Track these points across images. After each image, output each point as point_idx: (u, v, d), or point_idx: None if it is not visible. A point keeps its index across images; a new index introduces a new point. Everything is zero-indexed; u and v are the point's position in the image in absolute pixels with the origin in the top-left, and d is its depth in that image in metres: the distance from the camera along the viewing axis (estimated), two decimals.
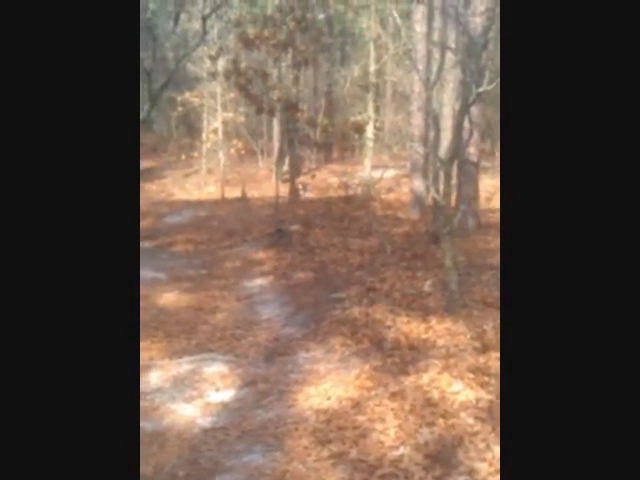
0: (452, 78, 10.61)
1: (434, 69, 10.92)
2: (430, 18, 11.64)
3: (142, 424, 4.50)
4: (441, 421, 4.10)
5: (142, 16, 10.98)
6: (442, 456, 3.74)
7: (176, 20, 11.12)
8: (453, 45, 10.01)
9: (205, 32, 11.52)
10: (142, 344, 6.00)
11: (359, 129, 13.92)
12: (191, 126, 22.16)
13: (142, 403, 4.83)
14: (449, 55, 9.62)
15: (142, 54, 11.02)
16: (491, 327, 5.45)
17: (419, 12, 11.53)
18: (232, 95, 17.84)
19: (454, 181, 8.88)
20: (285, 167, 14.88)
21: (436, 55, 11.34)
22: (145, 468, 3.92)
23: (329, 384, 4.90)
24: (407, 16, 12.84)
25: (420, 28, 11.55)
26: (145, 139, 21.18)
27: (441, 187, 8.30)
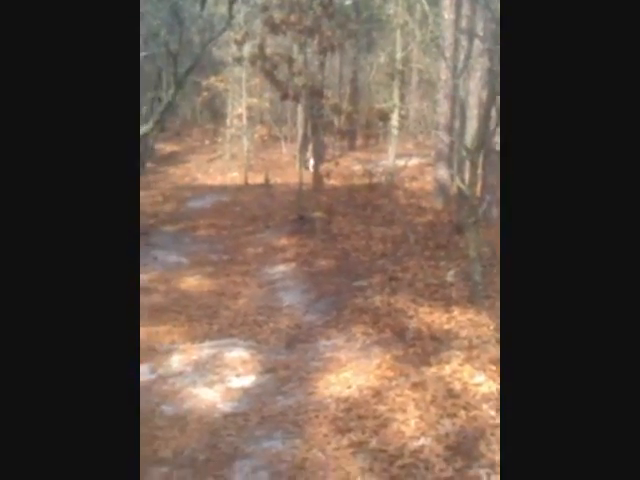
0: (479, 66, 10.45)
1: (461, 57, 10.79)
2: (458, 5, 11.47)
3: (163, 407, 4.53)
4: (463, 413, 4.06)
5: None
6: (463, 448, 3.71)
7: (203, 4, 11.06)
8: (481, 33, 9.86)
9: (231, 16, 11.45)
10: (164, 328, 6.04)
11: (384, 117, 13.85)
12: (215, 111, 22.18)
13: (163, 386, 4.86)
14: (477, 43, 9.48)
15: (168, 37, 11.03)
16: None
17: None
18: (257, 81, 17.79)
19: (479, 171, 8.78)
20: (308, 154, 14.83)
21: (464, 43, 11.21)
22: (165, 451, 3.94)
23: (350, 372, 4.88)
24: (435, 3, 12.67)
25: (448, 15, 11.39)
26: (169, 123, 21.30)
27: (466, 176, 8.22)
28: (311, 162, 13.96)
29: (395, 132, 13.55)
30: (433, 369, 4.70)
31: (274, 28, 11.97)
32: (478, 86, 10.63)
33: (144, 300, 6.89)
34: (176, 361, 5.30)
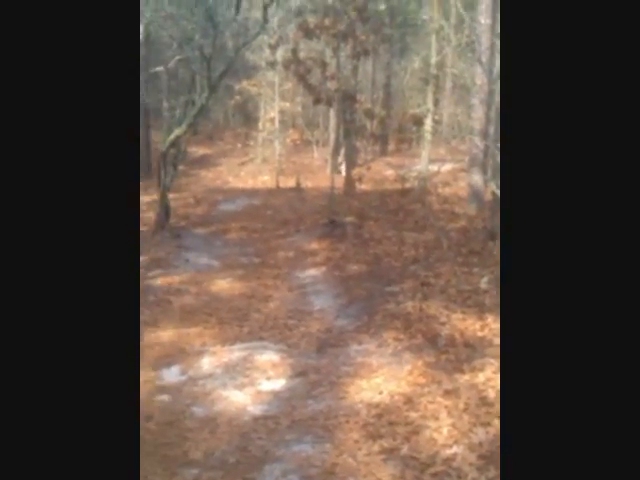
0: None
1: (497, 62, 10.68)
2: (495, 9, 11.37)
3: (194, 409, 4.53)
4: (496, 422, 3.98)
5: (204, 4, 11.03)
6: (497, 457, 3.63)
7: (237, 8, 11.11)
8: None
9: (266, 21, 11.49)
10: (195, 329, 6.05)
11: (417, 121, 13.74)
12: (248, 115, 22.27)
13: (194, 388, 4.86)
14: None
15: (203, 41, 11.09)
16: None
17: (484, 3, 11.28)
18: (290, 85, 17.83)
19: None
20: (340, 158, 14.80)
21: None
22: (195, 453, 3.93)
23: (381, 378, 4.83)
24: (471, 7, 12.58)
25: (485, 20, 11.29)
26: (202, 127, 21.43)
27: None
28: (343, 166, 13.95)
29: (428, 137, 13.45)
30: (466, 376, 4.63)
31: (308, 32, 11.99)
32: None
33: (175, 302, 6.93)
34: (206, 363, 5.30)
